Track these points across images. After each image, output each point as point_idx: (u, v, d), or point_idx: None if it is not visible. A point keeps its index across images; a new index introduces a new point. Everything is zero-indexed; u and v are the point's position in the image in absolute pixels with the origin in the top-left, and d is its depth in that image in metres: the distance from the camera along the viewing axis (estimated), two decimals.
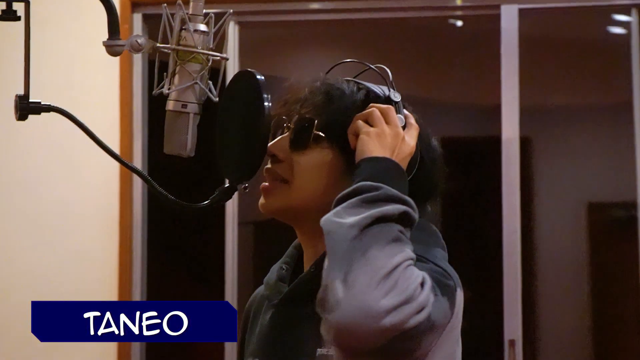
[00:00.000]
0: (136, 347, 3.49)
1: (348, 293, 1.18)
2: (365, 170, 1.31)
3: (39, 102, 1.36)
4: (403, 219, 1.26)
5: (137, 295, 3.46)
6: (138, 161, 3.46)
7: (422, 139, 1.42)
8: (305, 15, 3.57)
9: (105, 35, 1.37)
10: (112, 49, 1.37)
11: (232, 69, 3.45)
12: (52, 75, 3.42)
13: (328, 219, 1.25)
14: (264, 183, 1.44)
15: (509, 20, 3.35)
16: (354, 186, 1.28)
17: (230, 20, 3.45)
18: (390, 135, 1.35)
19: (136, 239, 3.47)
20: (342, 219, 1.24)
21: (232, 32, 3.51)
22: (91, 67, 3.48)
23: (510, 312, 3.25)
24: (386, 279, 1.19)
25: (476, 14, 3.49)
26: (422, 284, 1.22)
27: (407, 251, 1.24)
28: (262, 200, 1.44)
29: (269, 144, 1.42)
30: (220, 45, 1.42)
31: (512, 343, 3.23)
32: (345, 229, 1.23)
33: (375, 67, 1.46)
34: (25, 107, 1.35)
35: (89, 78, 3.48)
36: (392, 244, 1.23)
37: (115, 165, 3.41)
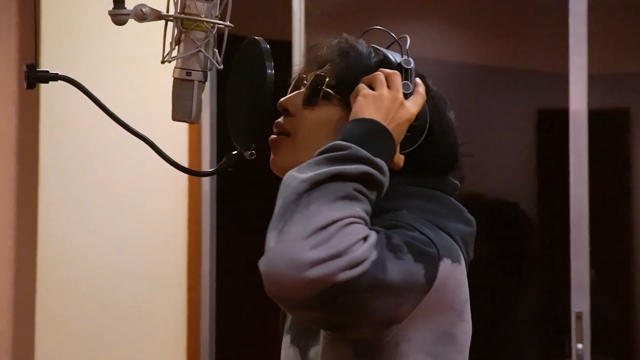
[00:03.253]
0: (205, 332, 3.56)
1: (278, 243, 1.19)
2: (347, 130, 1.31)
3: (47, 71, 1.40)
4: (364, 180, 1.25)
5: (206, 265, 3.54)
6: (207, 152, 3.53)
7: (435, 109, 1.42)
8: None
9: None
10: (117, 17, 1.41)
11: (298, 42, 3.46)
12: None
13: (289, 173, 1.27)
14: (271, 136, 1.45)
15: None
16: (327, 145, 1.29)
17: None
18: (388, 99, 1.34)
19: (205, 213, 3.54)
20: (301, 173, 1.25)
21: (298, 4, 3.51)
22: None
23: (578, 285, 3.19)
24: (320, 232, 1.18)
25: None
26: (365, 240, 1.21)
27: (356, 209, 1.23)
28: (272, 156, 1.45)
29: (282, 99, 1.45)
30: (224, 13, 1.44)
31: (579, 316, 3.18)
32: (298, 182, 1.23)
33: (398, 36, 1.46)
34: (33, 76, 1.39)
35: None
36: (340, 200, 1.22)
37: (184, 140, 3.49)
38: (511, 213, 3.55)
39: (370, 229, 1.24)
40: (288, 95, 1.45)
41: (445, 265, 1.29)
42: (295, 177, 1.25)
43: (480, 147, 3.61)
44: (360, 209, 1.24)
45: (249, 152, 1.43)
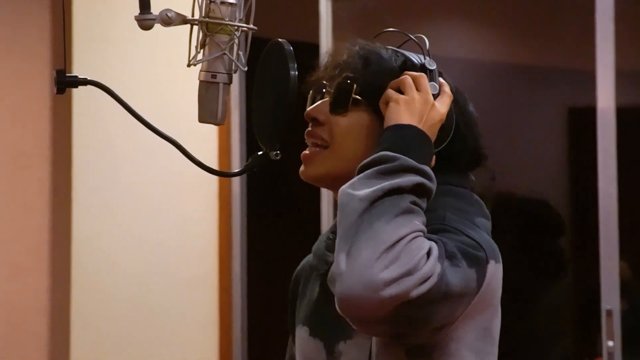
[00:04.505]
0: (237, 333, 3.59)
1: (350, 265, 1.22)
2: (387, 138, 1.33)
3: (76, 76, 1.43)
4: (417, 190, 1.28)
5: (237, 266, 3.57)
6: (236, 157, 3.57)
7: (456, 104, 1.44)
8: None
9: None
10: (143, 22, 1.43)
11: (325, 45, 3.49)
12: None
13: (343, 191, 1.29)
14: (304, 151, 1.47)
15: None
16: (373, 156, 1.31)
17: None
18: (420, 102, 1.36)
19: (235, 211, 3.57)
20: (356, 190, 1.27)
21: (325, 6, 3.54)
22: None
23: (608, 282, 3.18)
24: (388, 251, 1.22)
25: None
26: (428, 255, 1.23)
27: (416, 223, 1.26)
28: (302, 168, 1.47)
29: (309, 108, 1.47)
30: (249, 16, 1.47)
31: (609, 313, 3.17)
32: (356, 202, 1.26)
33: (414, 36, 1.48)
34: (62, 81, 1.42)
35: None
36: (401, 216, 1.25)
37: (214, 139, 3.52)
38: (541, 211, 3.55)
39: (427, 238, 1.27)
40: (314, 105, 1.47)
41: (491, 267, 1.32)
42: (352, 195, 1.27)
43: (511, 146, 3.62)
44: (418, 222, 1.27)
45: (275, 153, 1.45)
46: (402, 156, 1.29)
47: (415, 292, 1.21)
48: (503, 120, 3.66)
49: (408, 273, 1.21)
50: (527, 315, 3.47)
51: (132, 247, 3.64)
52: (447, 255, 1.26)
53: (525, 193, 3.62)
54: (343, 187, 1.29)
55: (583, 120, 3.46)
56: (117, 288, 3.64)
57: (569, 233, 3.58)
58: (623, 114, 3.25)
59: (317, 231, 3.50)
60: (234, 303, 3.57)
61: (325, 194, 3.49)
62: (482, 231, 1.36)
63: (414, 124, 1.34)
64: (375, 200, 1.25)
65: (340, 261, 1.23)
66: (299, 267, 1.61)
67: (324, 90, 1.48)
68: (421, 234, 1.26)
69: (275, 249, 3.91)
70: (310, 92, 1.50)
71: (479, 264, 1.29)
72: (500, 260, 1.36)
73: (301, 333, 1.49)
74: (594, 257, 3.22)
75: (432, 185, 1.31)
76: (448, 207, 1.37)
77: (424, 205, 1.30)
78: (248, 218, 3.63)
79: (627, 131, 3.28)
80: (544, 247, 3.53)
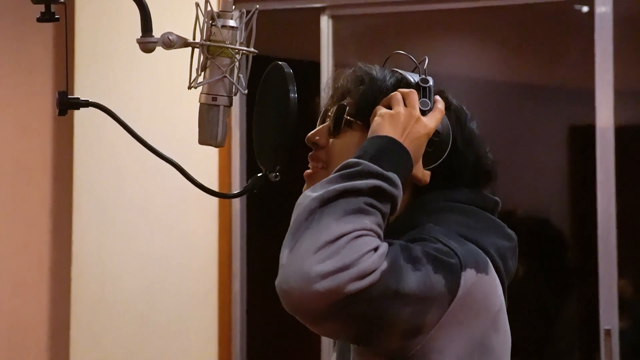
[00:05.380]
0: (237, 350, 3.60)
1: (290, 258, 1.24)
2: (361, 147, 1.35)
3: (78, 98, 1.45)
4: (374, 193, 1.29)
5: (236, 284, 3.58)
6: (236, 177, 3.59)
7: (457, 122, 1.45)
8: (397, 7, 3.59)
9: None
10: (145, 45, 1.45)
11: (326, 63, 3.50)
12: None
13: (304, 193, 1.31)
14: (307, 170, 1.50)
15: (603, 2, 3.28)
16: (341, 164, 1.33)
17: (324, 15, 3.55)
18: (404, 115, 1.38)
19: (235, 228, 3.58)
20: (313, 192, 1.29)
21: (326, 26, 3.56)
22: None
23: (606, 302, 3.19)
24: (329, 246, 1.23)
25: None
26: (375, 251, 1.24)
27: (365, 222, 1.26)
28: (305, 187, 1.49)
29: (310, 133, 1.49)
30: (250, 39, 1.49)
31: (608, 332, 3.17)
32: (308, 201, 1.28)
33: (418, 58, 1.50)
34: (64, 102, 1.44)
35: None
36: (351, 215, 1.26)
37: (215, 160, 3.54)
38: (542, 229, 3.56)
39: (386, 241, 1.27)
40: (315, 130, 1.50)
41: (468, 275, 1.31)
42: (308, 195, 1.29)
43: (513, 163, 3.64)
44: (370, 221, 1.27)
45: (274, 174, 1.47)
46: (364, 161, 1.31)
47: (352, 287, 1.21)
48: (505, 137, 3.68)
49: (345, 267, 1.21)
50: (528, 335, 3.47)
51: (132, 263, 3.65)
52: (410, 259, 1.26)
53: (526, 210, 3.63)
54: (305, 190, 1.32)
55: (583, 138, 3.48)
56: (117, 304, 3.65)
57: (570, 253, 3.59)
58: (622, 133, 3.27)
59: None
60: (233, 320, 3.58)
61: None
62: (471, 245, 1.35)
63: (395, 136, 1.35)
64: (328, 201, 1.27)
65: (283, 256, 1.25)
66: None
67: (328, 115, 1.51)
68: (371, 232, 1.26)
69: (275, 267, 3.91)
70: (318, 120, 1.53)
71: (449, 271, 1.28)
72: (490, 273, 1.35)
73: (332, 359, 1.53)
74: (593, 278, 3.23)
75: (395, 191, 1.31)
76: (444, 221, 1.38)
77: (385, 209, 1.30)
78: (248, 236, 3.64)
79: (625, 149, 3.30)
80: (544, 266, 3.54)
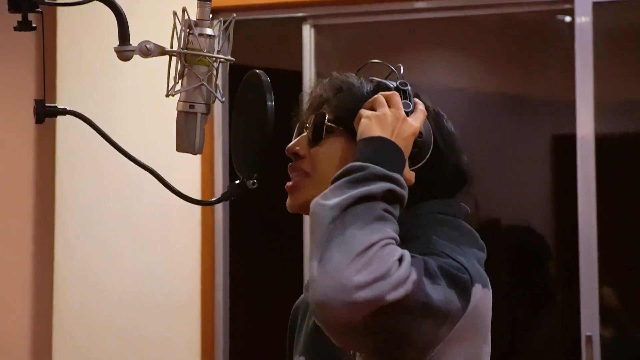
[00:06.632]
0: (219, 351, 3.59)
1: (322, 271, 1.23)
2: (359, 151, 1.36)
3: (56, 106, 1.45)
4: (388, 197, 1.30)
5: (219, 295, 3.57)
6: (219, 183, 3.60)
7: (436, 123, 1.47)
8: (379, 17, 3.60)
9: None
10: (122, 54, 1.45)
11: (308, 73, 3.51)
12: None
13: (314, 202, 1.30)
14: (288, 182, 1.50)
15: (583, 13, 3.31)
16: (344, 168, 1.33)
17: (306, 24, 3.56)
18: (391, 116, 1.39)
19: (218, 240, 3.58)
20: (327, 200, 1.28)
21: (308, 36, 3.57)
22: None
23: (587, 308, 3.20)
24: (360, 256, 1.22)
25: (550, 9, 3.46)
26: (400, 261, 1.24)
27: (388, 230, 1.27)
28: (288, 200, 1.49)
29: (289, 145, 1.50)
30: (231, 48, 1.49)
31: (589, 339, 3.19)
32: (327, 210, 1.27)
33: (392, 66, 1.51)
34: (41, 111, 1.44)
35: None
36: (373, 223, 1.26)
37: (197, 170, 3.54)
38: (525, 237, 3.58)
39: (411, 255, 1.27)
40: (294, 141, 1.50)
41: (477, 290, 1.32)
42: (323, 205, 1.28)
43: (495, 173, 3.66)
44: (390, 229, 1.27)
45: (251, 182, 1.47)
46: (371, 164, 1.31)
47: (391, 297, 1.21)
48: (487, 147, 3.70)
49: (382, 277, 1.21)
50: (509, 342, 3.48)
51: (115, 277, 3.64)
52: (427, 273, 1.27)
53: (509, 218, 3.65)
54: (315, 199, 1.31)
55: (565, 148, 3.50)
56: (100, 318, 3.64)
57: (551, 260, 3.61)
58: (602, 143, 3.29)
59: (299, 260, 3.51)
60: (216, 332, 3.57)
61: (308, 223, 3.49)
62: (472, 258, 1.37)
63: (385, 136, 1.36)
64: (346, 208, 1.27)
65: (313, 268, 1.24)
66: (297, 301, 1.64)
67: (305, 126, 1.51)
68: (393, 241, 1.26)
69: (258, 278, 3.92)
70: (295, 133, 1.53)
71: (462, 286, 1.30)
72: (489, 287, 1.37)
73: None
74: (574, 285, 3.24)
75: (404, 192, 1.32)
76: (445, 237, 1.38)
77: (397, 212, 1.31)
78: (231, 247, 3.64)
79: (606, 159, 3.32)
80: (526, 274, 3.55)
